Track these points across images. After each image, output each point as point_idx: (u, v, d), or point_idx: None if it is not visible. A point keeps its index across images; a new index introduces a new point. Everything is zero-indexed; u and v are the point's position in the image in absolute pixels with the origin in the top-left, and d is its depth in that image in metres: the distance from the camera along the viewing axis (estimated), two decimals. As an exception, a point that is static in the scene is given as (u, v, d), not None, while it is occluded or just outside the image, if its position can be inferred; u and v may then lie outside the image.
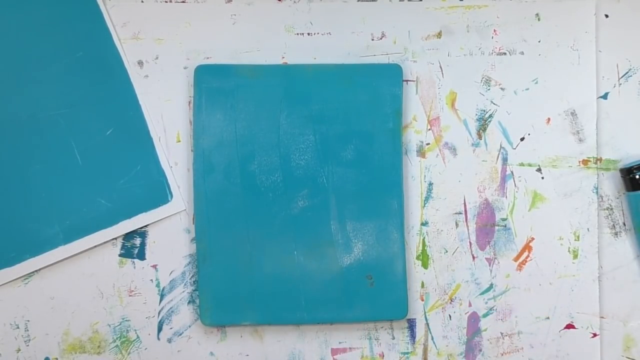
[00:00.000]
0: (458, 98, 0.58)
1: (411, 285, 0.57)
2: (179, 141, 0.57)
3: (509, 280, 0.57)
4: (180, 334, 0.57)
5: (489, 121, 0.58)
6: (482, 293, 0.57)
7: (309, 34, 0.58)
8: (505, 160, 0.58)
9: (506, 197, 0.58)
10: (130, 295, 0.56)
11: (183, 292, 0.57)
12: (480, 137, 0.58)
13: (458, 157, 0.58)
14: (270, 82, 0.56)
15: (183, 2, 0.57)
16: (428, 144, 0.58)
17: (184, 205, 0.57)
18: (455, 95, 0.58)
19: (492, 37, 0.58)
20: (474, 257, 0.57)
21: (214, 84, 0.56)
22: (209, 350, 0.57)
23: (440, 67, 0.58)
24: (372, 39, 0.58)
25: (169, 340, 0.56)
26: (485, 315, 0.57)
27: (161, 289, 0.56)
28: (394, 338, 0.57)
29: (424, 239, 0.57)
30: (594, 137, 0.58)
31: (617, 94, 0.58)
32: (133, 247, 0.56)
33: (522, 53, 0.58)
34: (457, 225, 0.58)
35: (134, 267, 0.56)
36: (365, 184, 0.56)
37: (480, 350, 0.57)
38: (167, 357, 0.57)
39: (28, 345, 0.56)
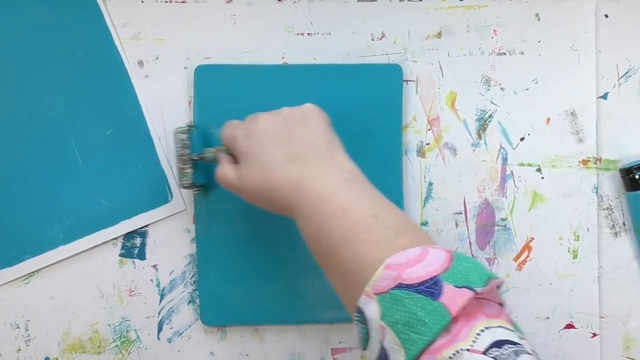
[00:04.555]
0: (458, 98, 0.58)
1: (411, 285, 0.57)
2: (179, 141, 0.57)
3: (509, 280, 0.57)
4: (180, 334, 0.57)
5: (489, 121, 0.58)
6: (482, 293, 0.57)
7: (309, 34, 0.58)
8: (505, 160, 0.58)
9: (506, 197, 0.58)
10: (130, 295, 0.56)
11: (183, 292, 0.57)
12: (480, 137, 0.58)
13: (458, 157, 0.58)
14: (270, 82, 0.56)
15: (183, 2, 0.57)
16: (428, 144, 0.58)
17: (184, 205, 0.57)
18: (455, 95, 0.58)
19: (492, 37, 0.58)
20: (473, 257, 0.57)
21: (214, 84, 0.56)
22: (209, 350, 0.57)
23: (440, 67, 0.58)
24: (372, 39, 0.58)
25: (169, 340, 0.56)
26: (485, 315, 0.57)
27: (161, 289, 0.56)
28: (394, 338, 0.57)
29: (424, 239, 0.57)
30: (593, 137, 0.58)
31: (617, 94, 0.58)
32: (133, 247, 0.56)
33: (522, 53, 0.58)
34: (457, 225, 0.58)
35: (134, 267, 0.56)
36: (365, 184, 0.56)
37: (480, 350, 0.57)
38: (167, 357, 0.56)
39: (28, 345, 0.56)
